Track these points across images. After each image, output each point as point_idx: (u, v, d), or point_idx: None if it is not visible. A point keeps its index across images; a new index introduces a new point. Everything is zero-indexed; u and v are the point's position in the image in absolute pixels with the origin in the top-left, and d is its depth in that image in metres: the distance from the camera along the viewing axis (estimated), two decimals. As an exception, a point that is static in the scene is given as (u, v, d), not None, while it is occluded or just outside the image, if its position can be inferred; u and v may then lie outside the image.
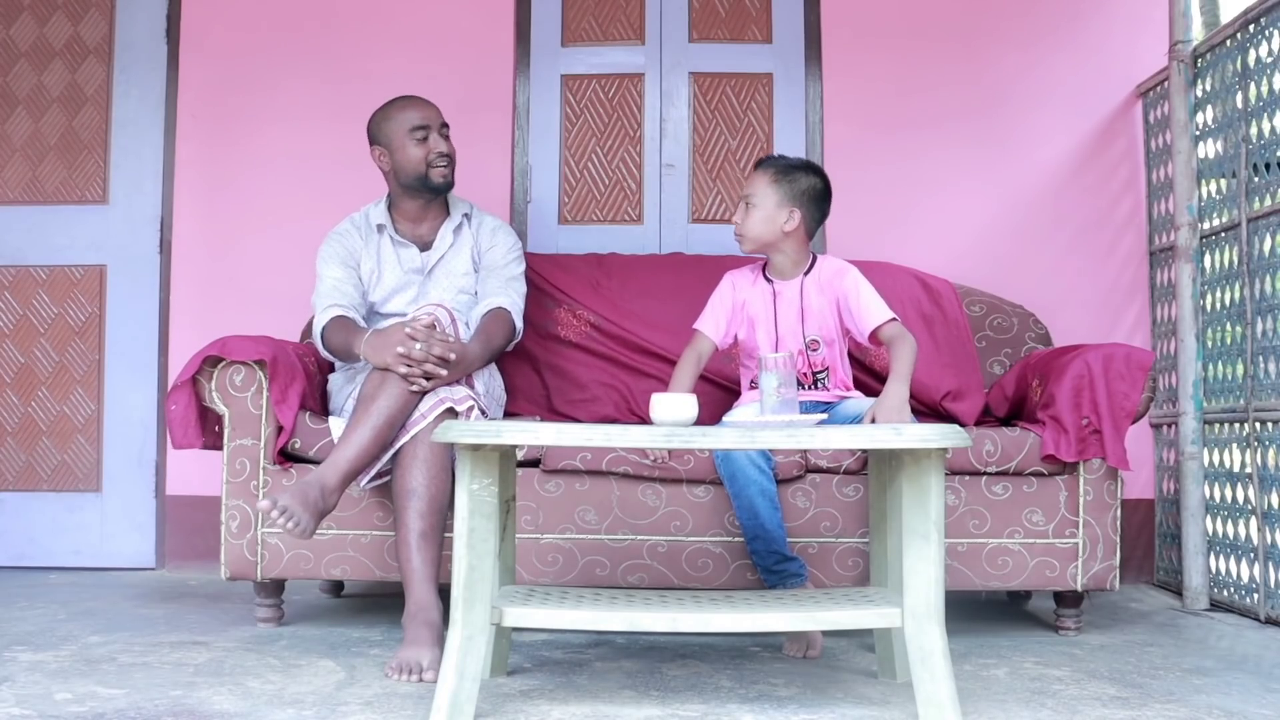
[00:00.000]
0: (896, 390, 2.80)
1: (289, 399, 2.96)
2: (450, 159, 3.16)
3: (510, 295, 3.15)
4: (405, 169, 3.14)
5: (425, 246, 3.21)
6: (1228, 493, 3.41)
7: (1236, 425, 3.37)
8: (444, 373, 2.75)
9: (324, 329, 3.03)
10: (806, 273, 3.02)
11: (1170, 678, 2.52)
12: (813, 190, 2.98)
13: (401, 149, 3.13)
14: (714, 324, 3.05)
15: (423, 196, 3.19)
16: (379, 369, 2.77)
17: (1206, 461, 3.50)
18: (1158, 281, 3.90)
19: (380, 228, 3.20)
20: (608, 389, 3.44)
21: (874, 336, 2.96)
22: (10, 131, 4.12)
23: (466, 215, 3.26)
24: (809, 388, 3.00)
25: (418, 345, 2.72)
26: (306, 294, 3.23)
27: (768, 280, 3.05)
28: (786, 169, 2.99)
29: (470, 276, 3.21)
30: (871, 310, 2.94)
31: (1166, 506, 3.79)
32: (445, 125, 3.19)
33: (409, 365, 2.71)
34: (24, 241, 4.10)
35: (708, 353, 3.05)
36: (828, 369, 3.02)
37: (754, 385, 2.93)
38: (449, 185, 3.19)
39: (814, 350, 3.00)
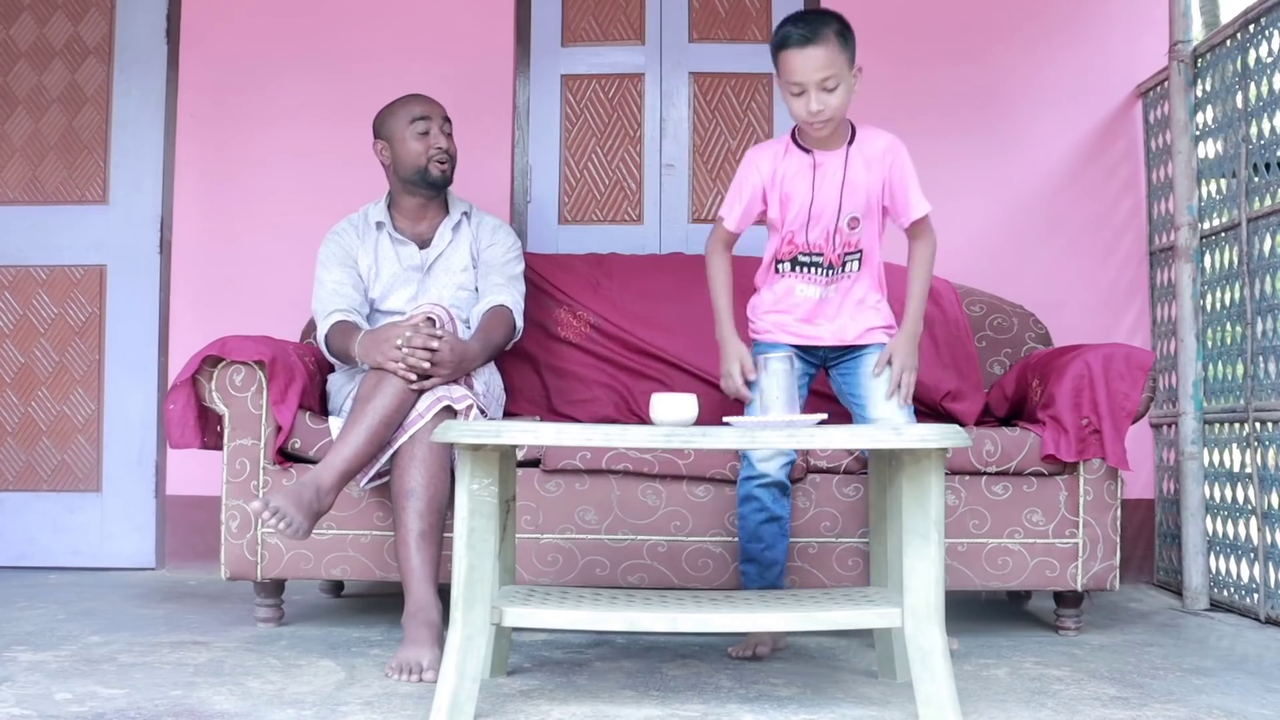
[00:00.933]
0: (909, 328, 2.77)
1: (288, 399, 2.96)
2: (450, 155, 3.17)
3: (511, 294, 3.15)
4: (405, 161, 3.15)
5: (424, 244, 3.21)
6: (1228, 493, 3.41)
7: (1236, 425, 3.37)
8: (427, 365, 2.74)
9: (327, 336, 3.04)
10: (850, 142, 2.76)
11: (1170, 678, 2.52)
12: (851, 34, 2.71)
13: (402, 141, 3.14)
14: (733, 214, 2.81)
15: (421, 193, 3.19)
16: (375, 369, 2.77)
17: (1206, 461, 3.50)
18: (1158, 281, 3.90)
19: (379, 225, 3.20)
20: (608, 389, 3.44)
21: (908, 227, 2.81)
22: (10, 131, 4.12)
23: (466, 214, 3.26)
24: (836, 272, 2.79)
25: (402, 339, 2.73)
26: (307, 293, 3.23)
27: (803, 150, 2.76)
28: (840, 28, 2.68)
29: (469, 274, 3.21)
30: (916, 201, 2.77)
31: (1166, 506, 3.79)
32: (448, 122, 3.20)
33: (399, 361, 2.72)
34: (24, 241, 4.10)
35: (733, 242, 2.86)
36: (860, 252, 2.79)
37: (779, 261, 2.80)
38: (446, 181, 3.19)
39: (852, 228, 2.75)
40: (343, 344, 2.96)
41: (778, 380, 2.36)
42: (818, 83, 2.63)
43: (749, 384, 2.72)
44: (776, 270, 2.83)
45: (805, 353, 2.82)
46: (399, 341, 2.73)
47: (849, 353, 2.85)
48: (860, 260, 2.80)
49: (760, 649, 2.69)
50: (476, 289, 3.22)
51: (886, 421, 2.75)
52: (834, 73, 2.64)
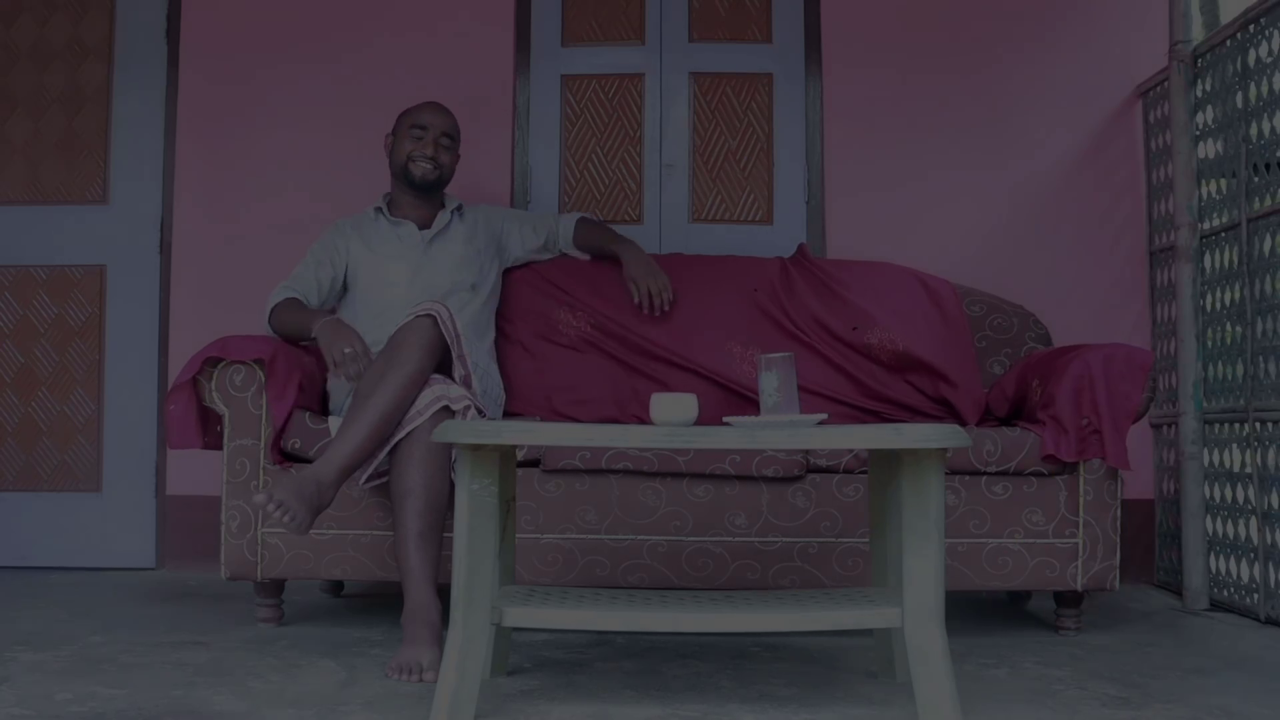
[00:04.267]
0: None
1: (286, 396, 2.97)
2: (436, 163, 3.30)
3: (562, 217, 3.55)
4: (394, 157, 3.35)
5: (424, 226, 3.37)
6: (1228, 493, 3.41)
7: (1236, 425, 3.37)
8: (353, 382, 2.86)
9: (278, 304, 3.18)
10: None
11: (1170, 678, 2.52)
12: None
13: (400, 139, 3.34)
14: None
15: (409, 191, 3.34)
16: (377, 365, 2.79)
17: (1206, 461, 3.50)
18: (1158, 281, 3.90)
19: (378, 210, 3.36)
20: (608, 389, 3.44)
21: None
22: (10, 131, 4.12)
23: (458, 209, 3.42)
24: None
25: (346, 350, 2.83)
26: (307, 294, 3.25)
27: None
28: None
29: (467, 263, 3.31)
30: None
31: (1166, 506, 3.79)
32: (447, 136, 3.33)
33: (339, 365, 2.84)
34: (24, 241, 4.10)
35: None
36: None
37: None
38: (426, 183, 3.31)
39: None
40: (295, 318, 3.08)
41: (778, 379, 2.36)
42: None
43: None
44: None
45: None
46: (335, 357, 2.83)
47: None
48: None
49: None
50: (473, 286, 3.31)
51: None
52: None
